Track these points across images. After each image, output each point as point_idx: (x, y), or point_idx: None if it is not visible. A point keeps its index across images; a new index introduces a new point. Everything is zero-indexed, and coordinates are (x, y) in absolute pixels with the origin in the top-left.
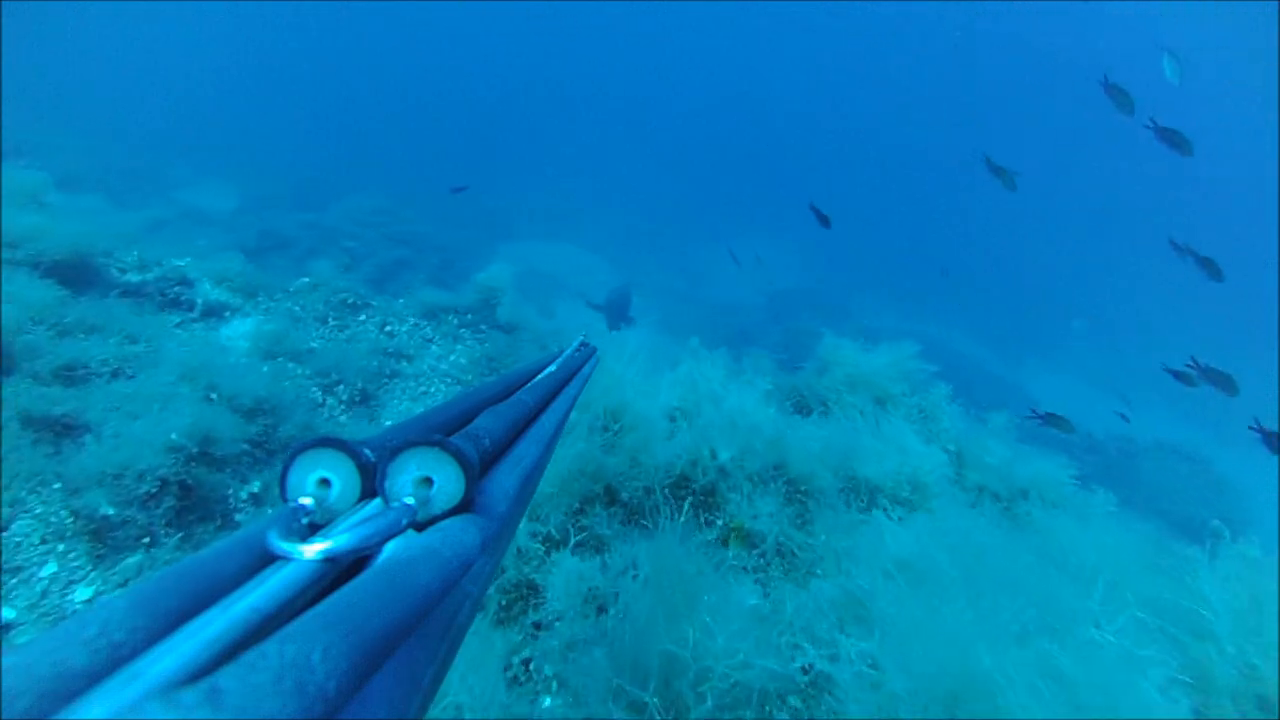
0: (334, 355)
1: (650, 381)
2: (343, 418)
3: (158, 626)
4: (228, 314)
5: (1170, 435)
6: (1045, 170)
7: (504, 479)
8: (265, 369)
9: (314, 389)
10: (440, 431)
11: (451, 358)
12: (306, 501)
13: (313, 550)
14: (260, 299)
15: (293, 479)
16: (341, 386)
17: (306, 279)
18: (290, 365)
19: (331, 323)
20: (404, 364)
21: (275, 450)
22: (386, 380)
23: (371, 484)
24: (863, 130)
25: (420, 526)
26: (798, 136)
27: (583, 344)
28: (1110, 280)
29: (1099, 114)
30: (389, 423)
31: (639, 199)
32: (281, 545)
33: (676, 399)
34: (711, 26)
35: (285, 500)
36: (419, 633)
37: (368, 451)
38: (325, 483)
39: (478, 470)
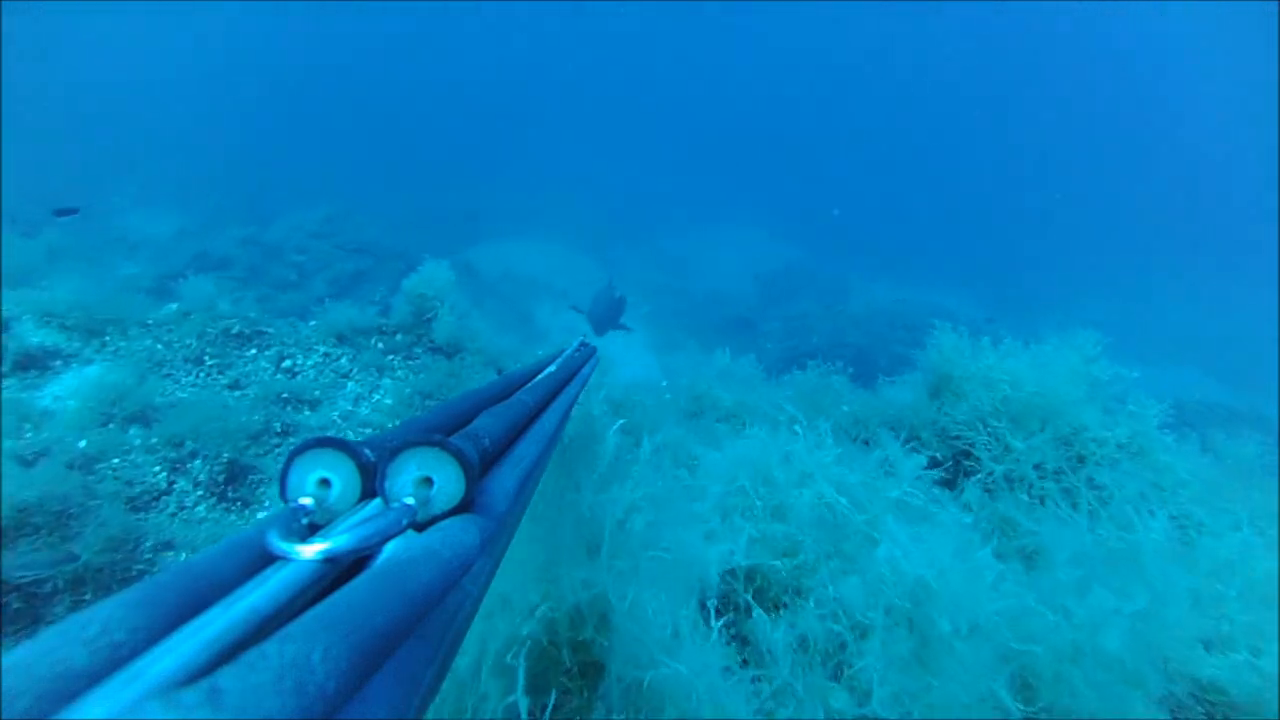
0: (201, 411)
1: (669, 481)
2: (199, 509)
3: (158, 627)
4: (57, 364)
5: (1210, 396)
6: (1038, 145)
7: (504, 479)
8: (81, 445)
9: (155, 469)
10: (440, 432)
11: (375, 397)
12: (306, 501)
13: (312, 550)
14: (109, 338)
15: (293, 479)
16: (199, 461)
17: (175, 305)
18: (131, 433)
19: (209, 362)
20: (305, 413)
21: (55, 592)
22: (276, 442)
23: (372, 484)
24: (834, 107)
25: (420, 526)
26: (769, 120)
27: (582, 344)
28: (1110, 245)
29: (1095, 106)
30: (264, 514)
31: (615, 191)
32: (281, 545)
33: (742, 548)
34: (679, 19)
35: (285, 500)
36: (419, 633)
37: (368, 451)
38: (325, 483)
39: (478, 470)
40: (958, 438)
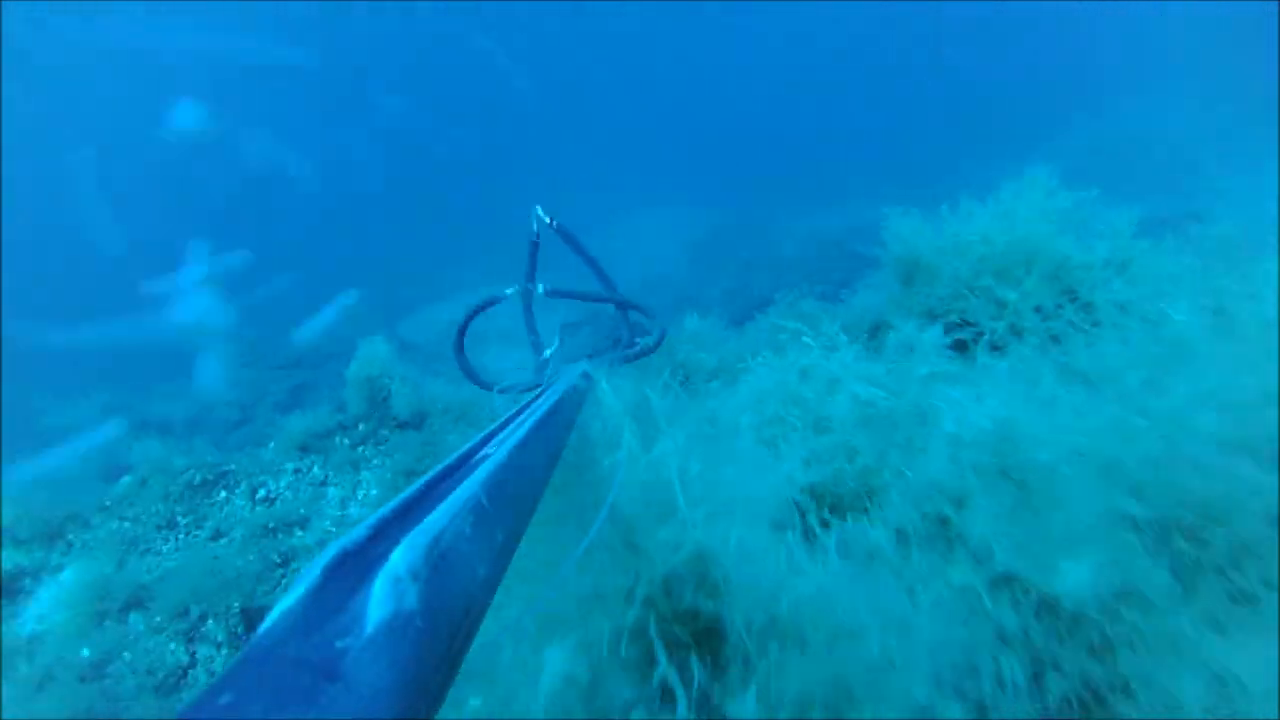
0: (194, 571)
1: (700, 427)
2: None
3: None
4: (27, 582)
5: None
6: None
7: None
8: (85, 654)
9: (171, 645)
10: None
11: (360, 493)
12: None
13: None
14: (71, 536)
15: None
16: (211, 622)
17: (128, 477)
18: (131, 620)
19: (182, 521)
20: (297, 534)
21: None
22: (280, 572)
23: None
24: (725, 61)
25: None
26: (658, 99)
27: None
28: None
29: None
30: None
31: (523, 211)
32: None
33: (799, 465)
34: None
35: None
36: (426, 637)
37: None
38: None
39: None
40: (947, 313)
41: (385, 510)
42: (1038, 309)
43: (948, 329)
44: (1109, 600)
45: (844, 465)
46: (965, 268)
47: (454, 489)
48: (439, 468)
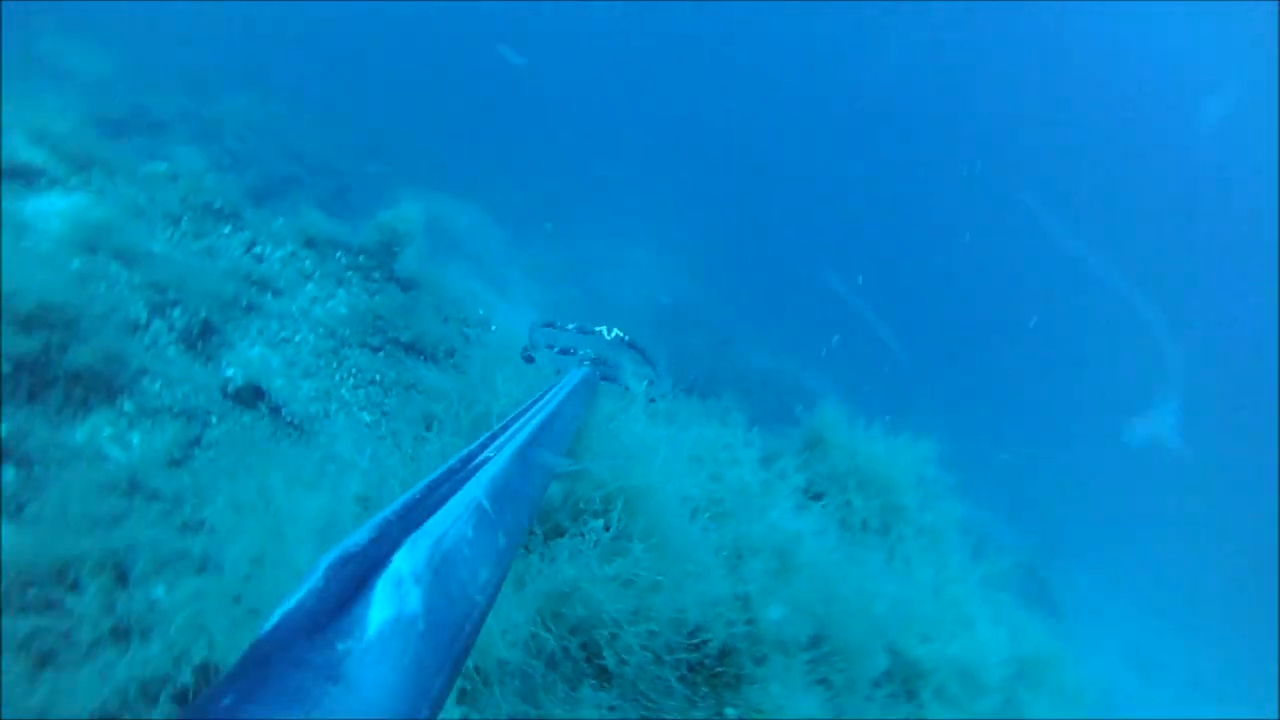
0: (179, 267)
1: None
2: (170, 351)
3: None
4: (43, 183)
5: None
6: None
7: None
8: (74, 265)
9: (139, 304)
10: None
11: (330, 303)
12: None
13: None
14: (94, 175)
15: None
16: (178, 310)
17: (164, 164)
18: (114, 267)
19: (186, 227)
20: (269, 298)
21: (56, 379)
22: (241, 314)
23: None
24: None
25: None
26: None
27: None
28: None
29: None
30: (230, 370)
31: (536, 171)
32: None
33: (700, 487)
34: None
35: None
36: (429, 641)
37: None
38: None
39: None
40: (815, 480)
41: (387, 512)
42: (864, 521)
43: (810, 493)
44: (780, 640)
45: (714, 506)
46: (844, 465)
47: (455, 492)
48: (440, 469)
